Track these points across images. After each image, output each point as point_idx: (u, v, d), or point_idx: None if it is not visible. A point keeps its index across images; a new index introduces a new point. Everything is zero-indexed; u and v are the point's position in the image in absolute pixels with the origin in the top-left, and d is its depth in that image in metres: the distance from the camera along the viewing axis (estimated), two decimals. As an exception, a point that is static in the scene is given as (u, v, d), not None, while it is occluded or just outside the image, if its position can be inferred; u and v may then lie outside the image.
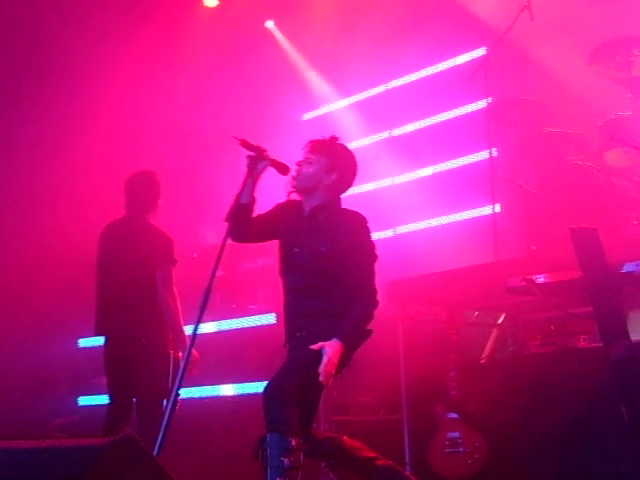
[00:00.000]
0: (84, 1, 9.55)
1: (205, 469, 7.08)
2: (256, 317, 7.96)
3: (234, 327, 8.21)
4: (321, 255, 4.81)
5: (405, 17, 9.05)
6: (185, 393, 7.75)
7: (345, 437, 4.99)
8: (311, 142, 5.02)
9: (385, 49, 9.12)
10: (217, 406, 7.90)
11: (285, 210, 5.09)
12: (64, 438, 3.72)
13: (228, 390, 7.86)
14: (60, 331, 9.26)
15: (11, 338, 9.16)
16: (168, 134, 10.02)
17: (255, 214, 5.05)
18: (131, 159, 9.73)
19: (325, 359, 4.60)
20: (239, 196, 4.95)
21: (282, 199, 5.14)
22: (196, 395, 7.99)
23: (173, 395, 4.45)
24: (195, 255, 8.88)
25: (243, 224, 5.01)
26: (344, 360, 4.75)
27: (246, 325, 8.09)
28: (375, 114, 9.58)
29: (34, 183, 9.45)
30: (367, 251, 4.90)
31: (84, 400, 8.96)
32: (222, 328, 8.29)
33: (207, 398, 7.98)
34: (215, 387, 7.94)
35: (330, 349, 4.63)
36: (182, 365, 4.66)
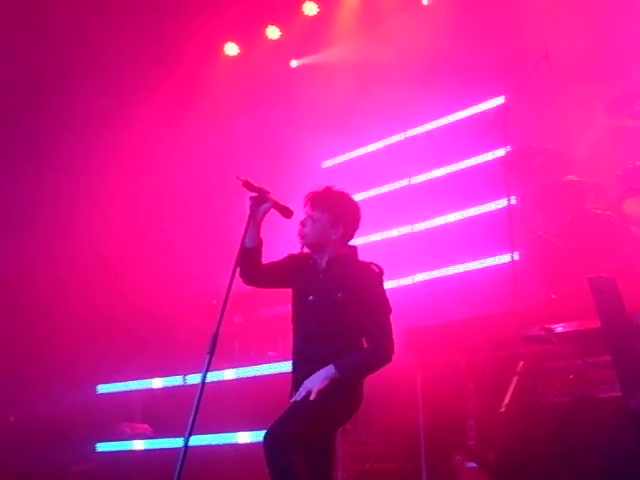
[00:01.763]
0: (106, 52, 9.67)
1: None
2: (275, 364, 7.94)
3: (252, 374, 8.19)
4: (337, 302, 4.77)
5: (424, 66, 9.12)
6: (202, 440, 7.79)
7: None
8: (309, 198, 4.98)
9: (404, 97, 9.18)
10: (233, 454, 7.87)
11: (299, 260, 5.06)
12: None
13: (244, 438, 7.82)
14: (79, 377, 9.27)
15: (31, 384, 9.18)
16: (191, 182, 10.11)
17: (265, 256, 5.02)
18: (155, 209, 9.84)
19: (313, 377, 4.61)
20: (243, 240, 4.91)
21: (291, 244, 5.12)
22: (213, 442, 7.96)
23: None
24: (214, 302, 8.89)
25: (252, 267, 4.97)
26: (345, 397, 4.69)
27: (265, 373, 8.07)
28: (393, 162, 9.62)
29: (57, 232, 9.49)
30: (383, 302, 4.86)
31: (102, 447, 8.95)
32: (240, 375, 8.27)
33: (224, 445, 7.95)
34: (232, 434, 7.91)
35: (322, 371, 4.62)
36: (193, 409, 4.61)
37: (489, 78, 8.73)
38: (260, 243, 5.00)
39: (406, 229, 9.23)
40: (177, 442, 7.95)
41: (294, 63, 11.04)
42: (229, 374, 8.31)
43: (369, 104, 9.58)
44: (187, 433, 4.49)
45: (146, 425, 8.85)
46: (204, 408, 7.83)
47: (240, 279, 5.03)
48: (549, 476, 5.95)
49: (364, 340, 4.80)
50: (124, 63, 9.80)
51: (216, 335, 4.68)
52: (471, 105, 9.07)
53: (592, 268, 5.97)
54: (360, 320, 4.76)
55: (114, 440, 8.81)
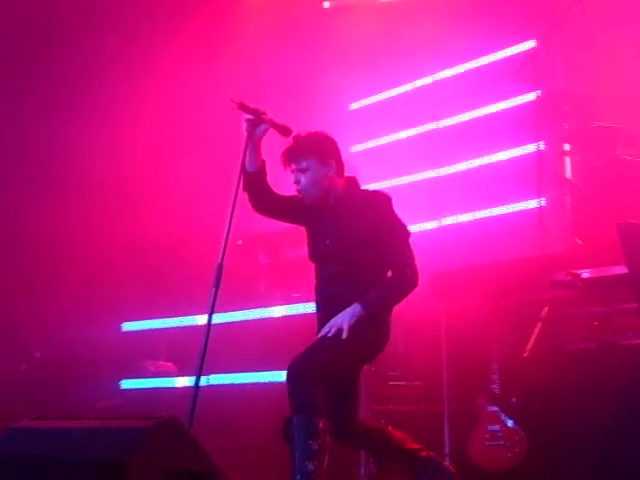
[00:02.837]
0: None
1: (241, 451, 7.10)
2: (300, 305, 7.96)
3: (277, 315, 8.22)
4: (355, 241, 4.74)
5: (454, 7, 8.98)
6: (226, 379, 7.86)
7: (389, 427, 4.99)
8: (287, 156, 4.87)
9: (433, 40, 9.06)
10: (259, 392, 7.93)
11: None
12: (108, 419, 3.77)
13: (271, 377, 7.86)
14: (103, 315, 9.33)
15: (56, 321, 9.25)
16: (215, 124, 10.04)
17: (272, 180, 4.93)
18: (179, 150, 9.81)
19: (340, 315, 4.62)
20: (243, 165, 4.81)
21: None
22: (236, 382, 8.03)
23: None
24: (239, 242, 8.92)
25: (259, 193, 4.89)
26: (372, 335, 4.72)
27: (290, 313, 8.10)
28: (422, 105, 9.53)
29: (80, 173, 9.50)
30: (400, 228, 4.82)
31: (126, 384, 9.03)
32: (265, 316, 8.31)
33: (250, 384, 8.00)
34: (258, 374, 7.95)
35: (349, 309, 4.63)
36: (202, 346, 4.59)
37: (521, 21, 8.60)
38: (262, 166, 4.89)
39: (432, 173, 9.17)
40: (201, 380, 8.06)
41: (326, 4, 10.90)
42: (254, 314, 8.35)
43: (398, 46, 9.48)
44: (197, 372, 4.47)
45: (170, 363, 8.92)
46: (228, 347, 7.93)
47: (254, 210, 5.00)
48: (571, 422, 5.96)
49: (388, 271, 4.79)
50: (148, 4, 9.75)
51: (220, 267, 4.62)
52: (501, 48, 8.95)
53: (620, 215, 5.91)
54: (381, 253, 4.73)
55: (138, 377, 8.91)
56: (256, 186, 4.87)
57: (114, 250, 9.42)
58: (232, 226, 4.75)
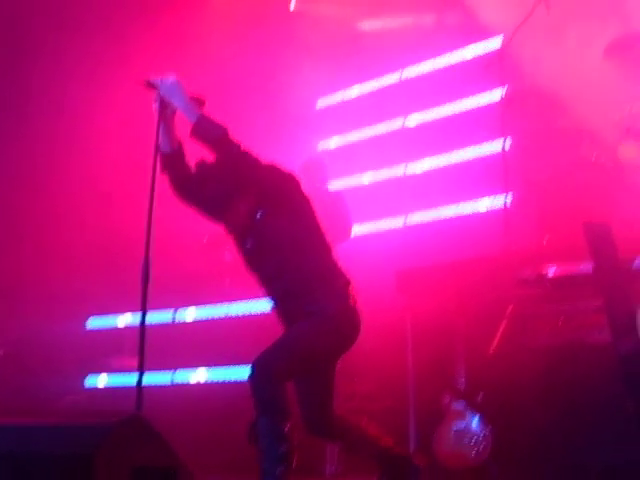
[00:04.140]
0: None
1: (211, 450, 7.09)
2: (263, 302, 7.95)
3: (240, 312, 8.21)
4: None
5: (422, 5, 9.01)
6: (195, 376, 7.85)
7: (363, 421, 4.97)
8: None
9: (400, 36, 9.08)
10: (222, 390, 7.91)
11: None
12: (74, 417, 3.74)
13: (235, 374, 7.85)
14: (69, 310, 9.27)
15: (20, 317, 9.18)
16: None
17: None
18: (149, 142, 9.74)
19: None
20: (157, 146, 4.58)
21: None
22: (204, 379, 8.04)
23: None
24: (205, 240, 8.88)
25: (179, 175, 4.71)
26: (337, 330, 4.62)
27: (254, 311, 8.09)
28: (389, 102, 9.55)
29: (53, 162, 9.44)
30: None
31: (92, 380, 8.99)
32: (229, 313, 8.30)
33: (215, 382, 8.00)
34: (226, 370, 7.94)
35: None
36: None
37: (487, 18, 8.63)
38: (179, 145, 4.72)
39: (399, 171, 9.19)
40: (165, 377, 8.05)
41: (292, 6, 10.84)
42: (220, 311, 8.33)
43: (365, 43, 9.49)
44: (139, 369, 4.39)
45: (135, 359, 8.86)
46: (194, 343, 7.90)
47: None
48: (536, 418, 5.99)
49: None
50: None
51: (147, 262, 4.53)
52: (468, 45, 8.99)
53: (586, 213, 5.96)
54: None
55: (103, 373, 8.86)
56: (175, 168, 4.72)
57: (79, 243, 9.37)
58: (154, 216, 4.56)
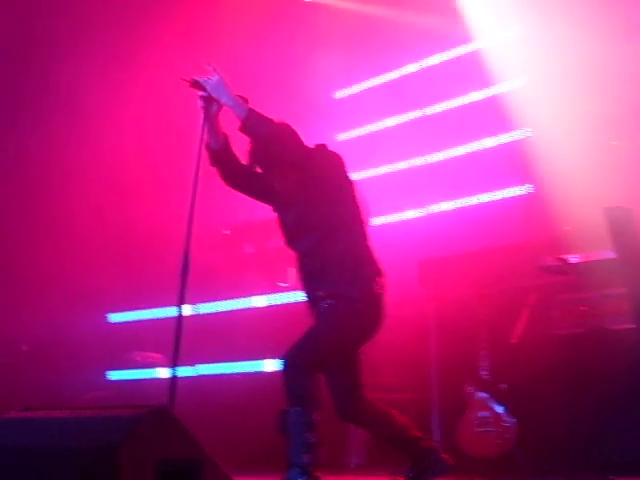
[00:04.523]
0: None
1: (232, 441, 7.10)
2: (284, 294, 7.96)
3: (262, 305, 8.22)
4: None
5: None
6: (218, 369, 7.86)
7: (395, 412, 4.99)
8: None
9: (419, 26, 9.03)
10: (244, 382, 7.92)
11: None
12: (98, 409, 3.74)
13: (259, 366, 7.86)
14: (91, 305, 9.30)
15: (43, 313, 9.21)
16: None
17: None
18: (166, 138, 9.75)
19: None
20: (202, 143, 4.77)
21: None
22: (226, 371, 8.04)
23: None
24: (227, 232, 8.90)
25: (230, 169, 4.93)
26: (362, 319, 4.69)
27: (275, 303, 8.09)
28: (408, 93, 9.50)
29: (70, 162, 9.46)
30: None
31: (114, 375, 9.01)
32: (252, 305, 8.30)
33: (236, 374, 8.00)
34: (248, 363, 7.95)
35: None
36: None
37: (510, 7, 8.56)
38: (225, 140, 4.90)
39: (420, 161, 9.15)
40: (188, 370, 8.05)
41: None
42: (241, 304, 8.34)
43: (384, 33, 9.44)
44: (173, 362, 4.40)
45: (157, 354, 8.90)
46: (215, 337, 7.90)
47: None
48: (559, 407, 5.98)
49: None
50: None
51: (187, 255, 4.61)
52: (490, 34, 8.91)
53: (608, 200, 5.91)
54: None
55: (126, 368, 8.88)
56: (225, 162, 4.92)
57: (100, 240, 9.39)
58: (196, 212, 4.75)
